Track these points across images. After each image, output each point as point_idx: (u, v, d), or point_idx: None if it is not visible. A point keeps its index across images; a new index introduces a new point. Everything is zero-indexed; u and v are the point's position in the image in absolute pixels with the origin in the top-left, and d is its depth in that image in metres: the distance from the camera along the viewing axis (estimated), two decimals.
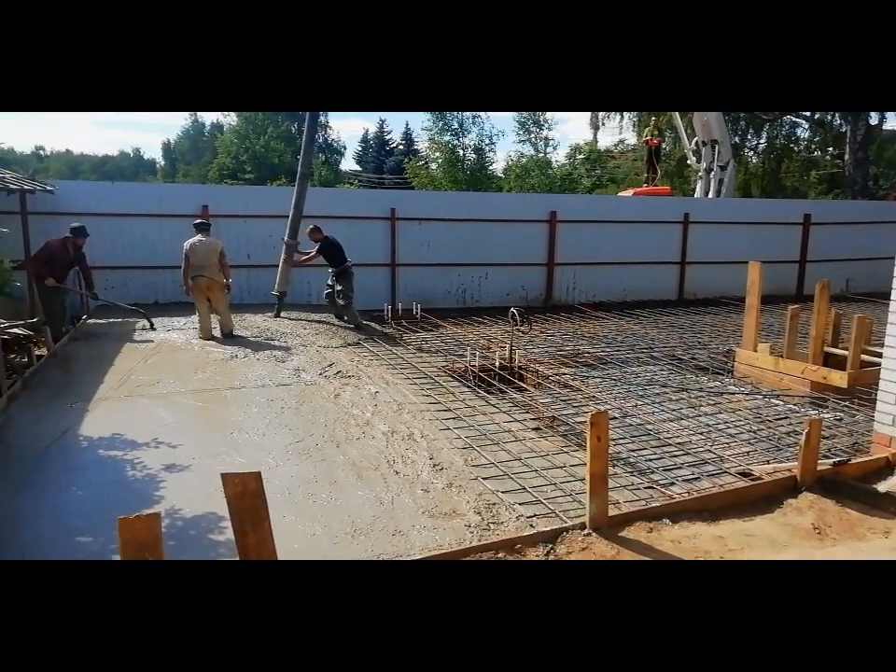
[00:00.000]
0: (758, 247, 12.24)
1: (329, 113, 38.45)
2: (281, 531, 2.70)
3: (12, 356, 6.54)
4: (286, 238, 9.20)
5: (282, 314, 9.29)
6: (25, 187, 8.46)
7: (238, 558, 2.54)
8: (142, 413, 5.33)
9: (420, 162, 29.83)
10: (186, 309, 9.27)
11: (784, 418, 5.76)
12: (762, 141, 28.61)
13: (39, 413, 5.27)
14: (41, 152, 75.22)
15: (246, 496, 2.51)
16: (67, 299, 8.38)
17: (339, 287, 8.95)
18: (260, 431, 5.00)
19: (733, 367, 7.38)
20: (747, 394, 6.54)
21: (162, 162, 66.03)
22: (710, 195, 16.27)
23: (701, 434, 5.26)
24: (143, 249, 10.04)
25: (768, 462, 4.67)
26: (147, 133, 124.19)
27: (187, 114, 55.95)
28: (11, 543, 3.46)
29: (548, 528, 3.54)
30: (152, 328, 8.23)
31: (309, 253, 9.10)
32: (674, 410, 5.87)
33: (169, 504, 3.76)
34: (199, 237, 7.91)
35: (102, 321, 8.76)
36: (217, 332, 7.98)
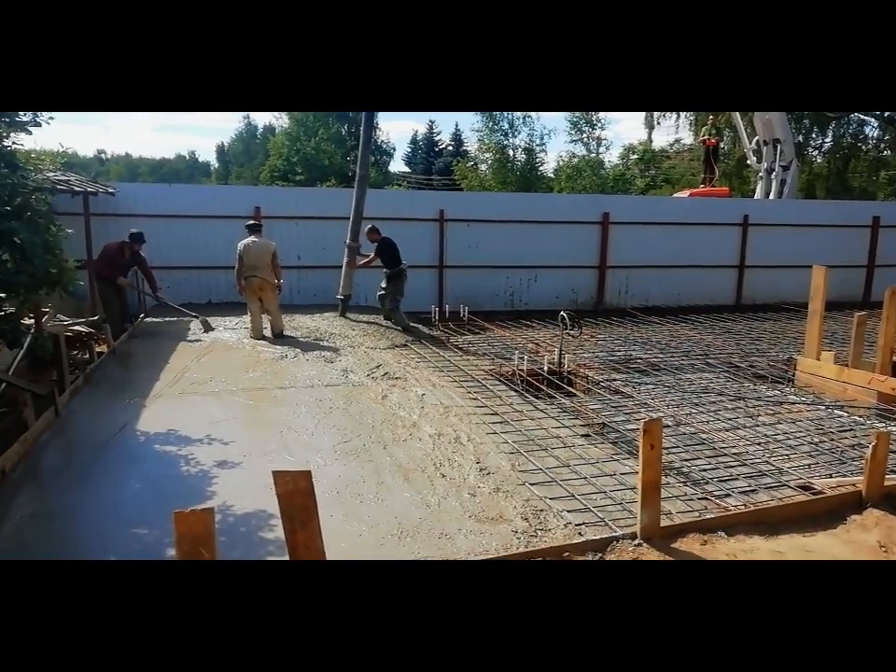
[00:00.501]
0: (822, 251, 11.73)
1: (379, 114, 38.83)
2: (328, 530, 2.71)
3: (75, 352, 6.81)
4: (347, 241, 9.32)
5: (337, 315, 9.42)
6: (88, 189, 8.82)
7: (287, 556, 2.57)
8: (195, 410, 5.47)
9: (469, 163, 29.81)
10: (238, 309, 9.49)
11: (848, 430, 5.49)
12: (827, 140, 27.49)
13: (99, 408, 5.47)
14: (102, 156, 78.48)
15: (297, 494, 2.52)
16: (126, 298, 8.72)
17: (389, 290, 9.00)
18: (309, 431, 5.06)
19: (794, 376, 7.08)
20: (808, 404, 6.26)
21: (216, 165, 68.02)
22: (772, 196, 15.71)
23: (759, 445, 5.06)
24: (197, 250, 10.32)
25: (831, 476, 4.45)
26: (202, 136, 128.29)
27: (240, 117, 57.51)
28: (71, 533, 3.59)
29: (597, 537, 3.45)
30: (209, 329, 8.41)
31: (368, 256, 9.16)
32: (730, 419, 5.67)
33: (221, 500, 3.83)
34: (252, 238, 8.08)
35: (158, 320, 9.06)
36: (267, 332, 8.13)
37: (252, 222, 8.54)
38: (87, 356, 6.89)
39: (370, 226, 9.08)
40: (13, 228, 4.08)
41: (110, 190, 9.74)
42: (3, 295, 4.36)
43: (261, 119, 58.05)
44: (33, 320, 6.02)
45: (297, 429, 5.07)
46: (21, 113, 4.33)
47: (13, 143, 4.45)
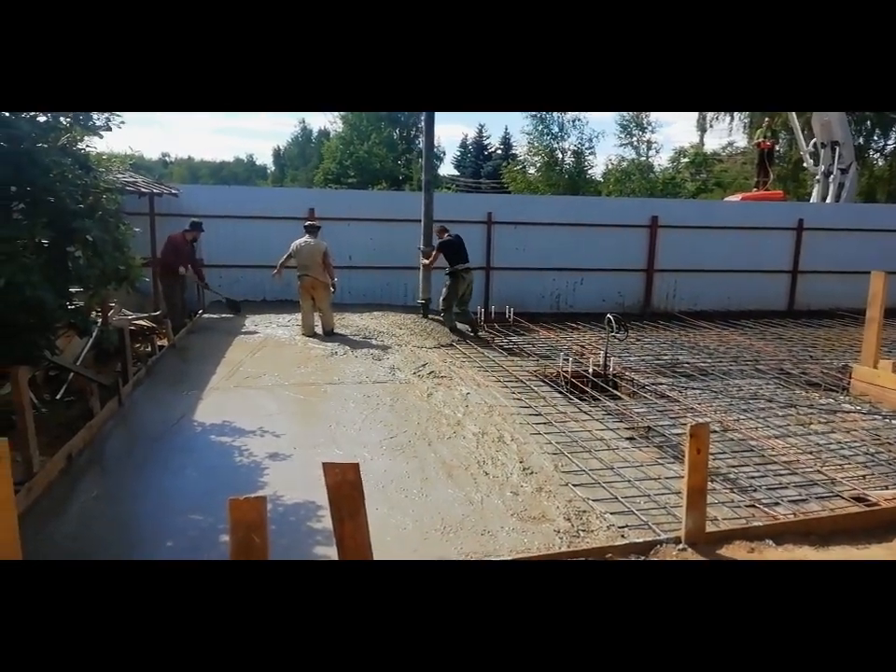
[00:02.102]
0: (882, 256, 11.25)
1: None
2: (374, 523, 2.80)
3: (137, 345, 7.14)
4: (420, 246, 9.50)
5: (383, 313, 9.60)
6: (154, 190, 9.24)
7: (335, 546, 2.66)
8: (249, 403, 5.68)
9: (517, 167, 29.73)
10: (290, 307, 9.75)
11: None
12: (889, 142, 26.36)
13: (159, 399, 5.73)
14: (166, 158, 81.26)
15: (345, 485, 2.62)
16: (185, 294, 9.12)
17: (444, 288, 9.06)
18: (357, 426, 5.19)
19: (849, 384, 6.86)
20: (864, 413, 6.07)
21: (272, 168, 69.59)
22: (829, 200, 15.18)
23: (810, 453, 4.94)
24: (253, 249, 10.63)
25: (886, 488, 4.32)
26: (259, 139, 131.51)
27: (296, 122, 58.80)
28: (131, 517, 3.80)
29: (641, 540, 3.46)
30: (236, 310, 9.17)
31: (431, 253, 9.25)
32: (780, 426, 5.54)
33: (272, 490, 3.98)
34: (306, 238, 8.32)
35: (215, 316, 9.39)
36: (318, 330, 8.34)
37: (310, 223, 8.77)
38: (149, 349, 7.22)
39: (439, 226, 9.22)
40: (86, 226, 4.33)
41: (174, 192, 10.16)
42: (75, 289, 4.62)
43: (316, 123, 59.29)
44: (100, 314, 6.35)
45: (345, 424, 5.21)
46: (95, 117, 4.59)
47: (86, 146, 4.72)
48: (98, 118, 4.61)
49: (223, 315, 9.41)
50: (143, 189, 8.79)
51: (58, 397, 5.49)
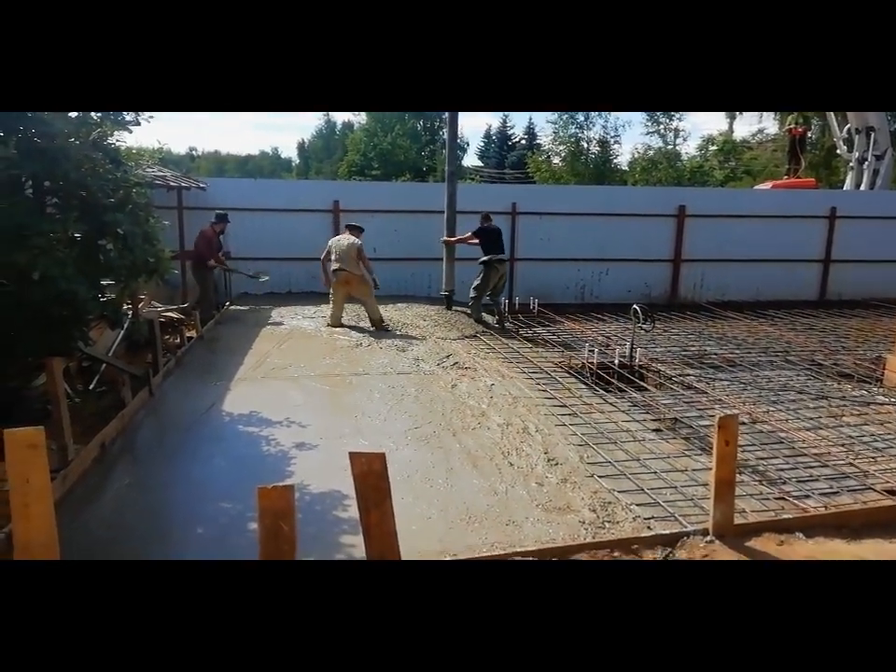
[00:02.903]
0: None
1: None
2: (399, 512, 2.82)
3: (167, 336, 7.27)
4: (444, 238, 9.52)
5: (407, 305, 9.63)
6: (182, 184, 9.37)
7: (361, 535, 2.69)
8: (276, 394, 5.75)
9: (542, 157, 29.50)
10: (316, 299, 9.84)
11: None
12: None
13: (189, 389, 5.83)
14: (193, 153, 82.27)
15: (371, 475, 2.65)
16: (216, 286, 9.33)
17: (476, 277, 9.01)
18: (382, 416, 5.23)
19: (882, 375, 6.71)
20: None
21: (297, 161, 70.07)
22: (863, 187, 14.80)
23: (842, 446, 4.85)
24: (279, 241, 10.74)
25: None
26: (284, 133, 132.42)
27: (321, 114, 58.94)
28: (163, 504, 3.88)
29: (667, 532, 3.43)
30: (261, 277, 9.58)
31: (467, 234, 9.20)
32: (811, 418, 5.44)
33: (298, 479, 4.03)
34: (345, 235, 8.45)
35: (242, 308, 9.52)
36: (347, 321, 8.44)
37: (353, 224, 8.78)
38: (178, 340, 7.34)
39: (483, 214, 9.23)
40: (117, 219, 4.41)
41: (202, 185, 10.30)
42: (107, 282, 4.72)
43: (340, 115, 59.41)
44: (130, 306, 6.48)
45: (370, 415, 5.25)
46: (125, 112, 4.66)
47: (116, 140, 4.80)
48: (127, 112, 4.69)
49: (251, 307, 9.53)
50: (171, 183, 8.93)
51: (91, 387, 5.62)
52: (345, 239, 8.36)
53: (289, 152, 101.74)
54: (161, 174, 8.83)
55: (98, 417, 4.90)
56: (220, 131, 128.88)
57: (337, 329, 8.20)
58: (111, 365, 5.55)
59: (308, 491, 3.93)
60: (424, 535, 3.43)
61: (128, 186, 4.82)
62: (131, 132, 4.80)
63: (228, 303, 9.66)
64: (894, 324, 7.08)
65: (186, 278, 9.60)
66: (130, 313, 6.50)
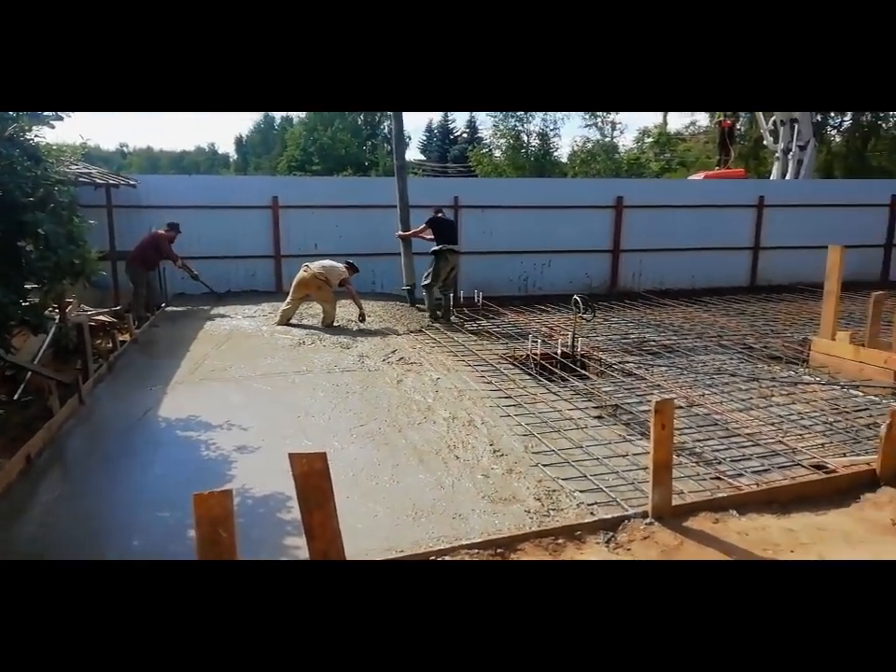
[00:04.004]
0: (840, 231, 11.56)
1: None
2: (345, 511, 2.80)
3: (98, 341, 6.98)
4: (398, 232, 9.42)
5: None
6: (110, 181, 8.99)
7: (303, 536, 2.65)
8: (215, 397, 5.60)
9: (484, 150, 29.67)
10: (256, 297, 9.65)
11: (864, 410, 5.47)
12: (846, 119, 26.93)
13: (122, 395, 5.62)
14: (124, 149, 78.95)
15: (312, 475, 2.61)
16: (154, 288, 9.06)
17: (428, 268, 8.94)
18: (326, 415, 5.16)
19: (808, 356, 7.05)
20: (823, 384, 6.24)
21: (235, 156, 68.28)
22: (788, 177, 15.50)
23: (772, 425, 5.07)
24: (217, 240, 10.46)
25: (845, 455, 4.45)
26: (221, 128, 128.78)
27: None
28: (95, 516, 3.72)
29: (609, 516, 3.51)
30: (212, 292, 9.43)
31: (420, 227, 9.15)
32: (743, 400, 5.67)
33: (240, 483, 3.94)
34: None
35: (180, 309, 9.23)
36: (306, 321, 8.38)
37: (350, 262, 8.73)
38: (110, 344, 7.05)
39: (435, 208, 9.22)
40: (37, 219, 4.19)
41: (132, 182, 9.91)
42: (28, 286, 4.48)
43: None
44: (56, 310, 6.18)
45: (314, 414, 5.17)
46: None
47: (35, 136, 4.56)
48: None
49: (188, 308, 9.25)
50: (98, 181, 8.56)
51: (15, 397, 5.34)
52: (343, 266, 8.42)
53: (227, 148, 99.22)
54: (87, 170, 8.44)
55: (24, 428, 4.66)
56: (153, 126, 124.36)
57: (279, 327, 8.05)
58: (37, 373, 5.28)
59: (250, 495, 3.85)
60: (369, 533, 3.41)
61: (49, 184, 4.59)
62: (53, 127, 4.57)
63: (164, 304, 9.35)
64: (819, 307, 7.43)
65: (118, 279, 9.23)
66: (56, 317, 6.20)
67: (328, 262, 8.44)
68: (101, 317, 7.39)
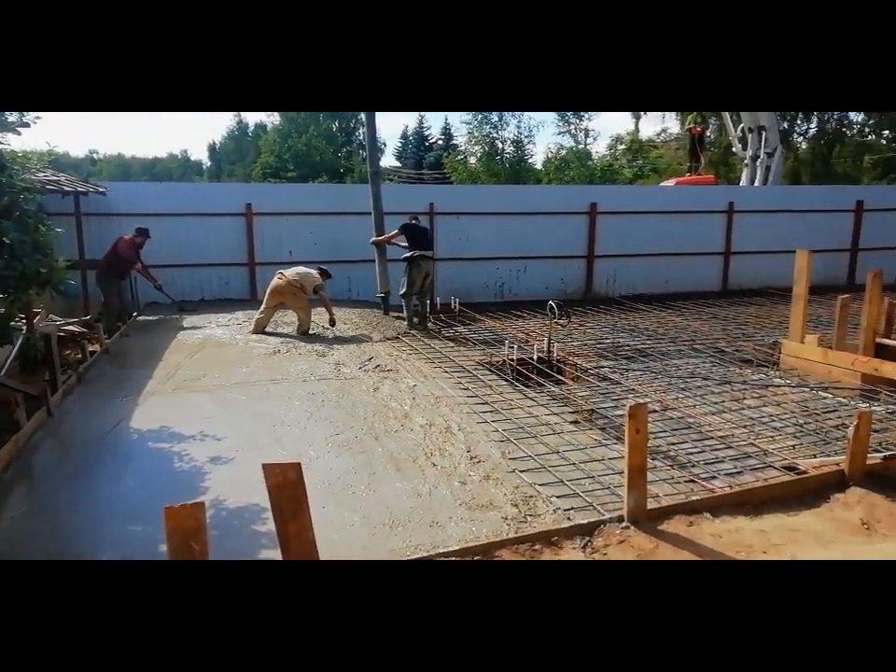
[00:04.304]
0: (807, 236, 11.84)
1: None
2: (321, 521, 2.77)
3: (67, 352, 6.83)
4: (373, 239, 9.39)
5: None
6: (79, 189, 8.82)
7: (279, 547, 2.62)
8: (188, 407, 5.51)
9: (459, 157, 29.80)
10: (230, 306, 9.55)
11: (832, 411, 5.59)
12: (812, 126, 27.66)
13: (92, 407, 5.50)
14: (94, 156, 77.89)
15: (287, 486, 2.58)
16: (125, 296, 8.89)
17: (402, 276, 8.88)
18: (302, 424, 5.11)
19: (779, 359, 7.18)
20: (793, 387, 6.36)
21: (208, 163, 67.63)
22: (757, 183, 15.81)
23: (744, 427, 5.15)
24: (189, 247, 10.34)
25: (815, 456, 4.54)
26: (194, 134, 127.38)
27: (231, 115, 57.21)
28: (65, 531, 3.63)
29: (585, 521, 3.53)
30: (175, 302, 9.38)
31: (393, 232, 9.10)
32: (716, 403, 5.75)
33: (214, 495, 3.88)
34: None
35: (152, 318, 9.08)
36: (281, 329, 8.30)
37: (322, 267, 8.77)
38: (80, 355, 6.91)
39: (410, 215, 9.22)
40: (2, 227, 4.10)
41: (101, 190, 9.74)
42: None
43: (252, 116, 57.86)
44: (23, 321, 6.04)
45: (289, 423, 5.12)
46: (8, 113, 4.33)
47: (0, 143, 4.46)
48: (11, 113, 4.36)
49: (161, 317, 9.11)
50: (66, 188, 8.39)
51: None
52: (316, 272, 8.41)
53: (200, 154, 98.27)
54: (55, 178, 8.28)
55: None
56: (123, 133, 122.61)
57: (254, 336, 7.97)
58: (2, 385, 5.15)
59: (224, 506, 3.79)
60: (346, 543, 3.38)
61: (14, 191, 4.50)
62: (19, 133, 4.47)
63: (136, 314, 9.19)
64: (788, 311, 7.57)
65: (87, 289, 9.06)
66: (23, 328, 6.06)
67: (301, 269, 8.40)
68: (70, 328, 7.24)
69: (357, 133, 40.39)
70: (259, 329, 8.11)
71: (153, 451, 4.64)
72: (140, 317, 9.12)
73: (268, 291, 8.22)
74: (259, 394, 5.85)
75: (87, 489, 4.07)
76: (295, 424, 5.11)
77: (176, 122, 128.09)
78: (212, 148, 65.54)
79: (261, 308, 8.23)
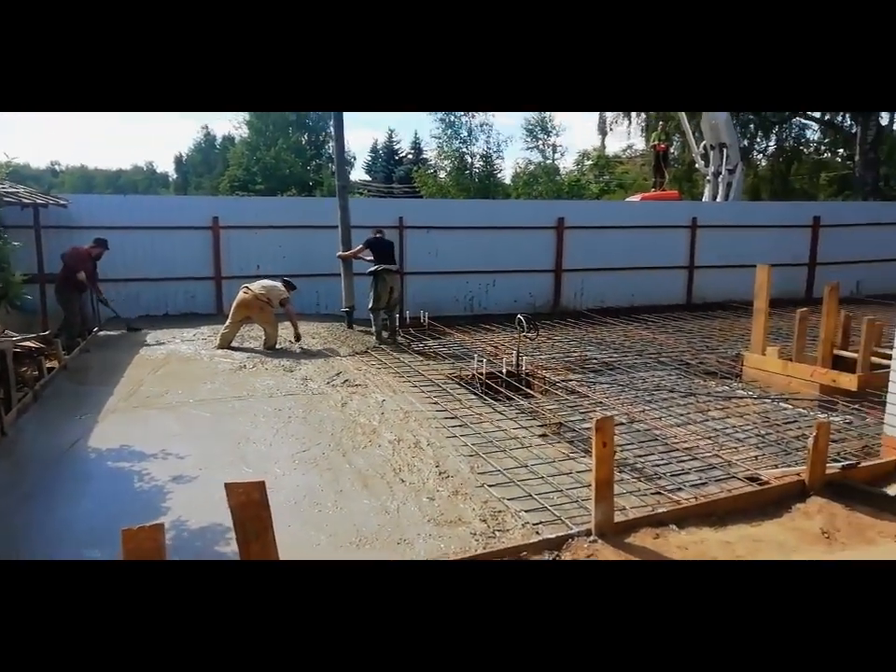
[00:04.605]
0: (767, 250, 12.14)
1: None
2: (286, 541, 2.71)
3: (24, 368, 6.61)
4: (339, 253, 9.33)
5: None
6: (38, 201, 8.61)
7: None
8: (150, 425, 5.38)
9: (429, 171, 29.94)
10: (195, 320, 9.39)
11: (793, 422, 5.71)
12: (771, 144, 28.53)
13: (49, 426, 5.33)
14: (56, 167, 76.40)
15: (250, 505, 2.52)
16: (86, 310, 8.67)
17: (369, 290, 8.84)
18: (268, 441, 5.03)
19: (741, 371, 7.33)
20: (755, 398, 6.49)
21: (175, 175, 66.77)
22: (719, 199, 16.18)
23: (709, 439, 5.23)
24: (153, 261, 10.14)
25: (777, 466, 4.63)
26: (160, 146, 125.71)
27: (198, 127, 56.77)
28: (17, 555, 3.50)
29: (553, 536, 3.53)
30: (121, 318, 9.13)
31: (359, 247, 9.05)
32: (682, 415, 5.84)
33: (175, 515, 3.79)
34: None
35: (114, 333, 8.87)
36: (248, 344, 8.18)
37: (287, 279, 8.71)
38: (37, 372, 6.70)
39: (375, 229, 9.19)
40: None
41: (62, 202, 9.51)
42: None
43: (220, 128, 57.46)
44: None
45: (255, 440, 5.03)
46: None
47: None
48: None
49: (123, 332, 8.90)
50: (25, 200, 8.17)
51: None
52: (281, 284, 8.34)
53: (166, 166, 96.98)
54: (13, 190, 8.07)
55: None
56: (87, 144, 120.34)
57: (219, 351, 7.83)
58: None
59: (186, 527, 3.70)
60: None
61: None
62: None
63: (97, 329, 8.96)
64: (750, 323, 7.74)
65: (46, 303, 8.81)
66: None
67: (267, 282, 8.31)
68: (27, 343, 7.01)
69: (326, 147, 40.33)
70: (225, 344, 7.98)
71: (112, 470, 4.51)
72: (101, 332, 8.89)
73: (234, 305, 8.11)
74: (224, 410, 5.75)
75: (41, 512, 3.93)
76: (261, 441, 5.03)
77: (142, 134, 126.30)
78: (179, 160, 64.79)
79: (227, 322, 8.11)
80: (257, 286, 8.13)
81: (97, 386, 6.40)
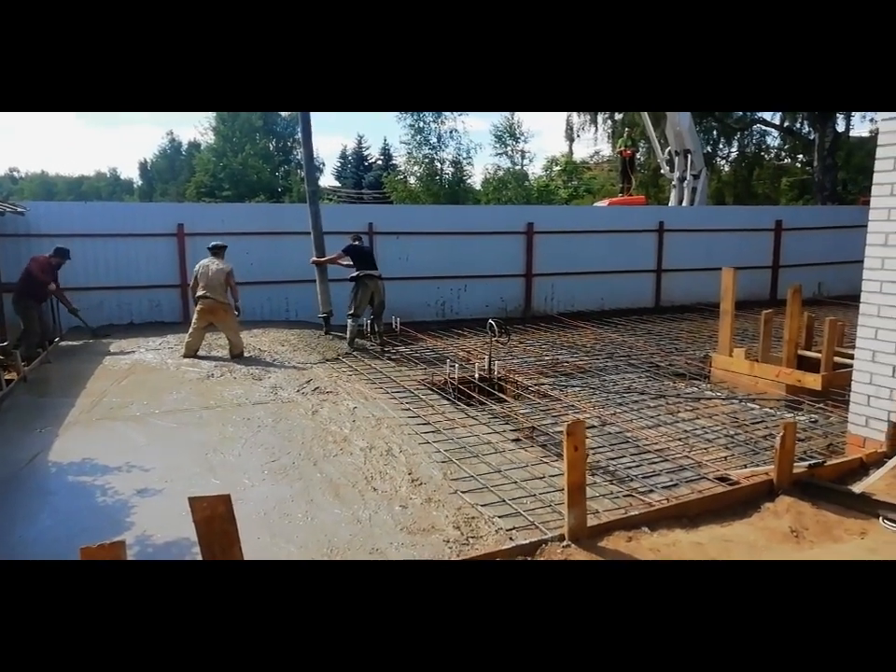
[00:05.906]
0: (732, 253, 12.40)
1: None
2: (255, 554, 2.65)
3: None
4: (313, 258, 9.21)
5: (264, 331, 9.23)
6: None
7: None
8: (114, 437, 5.23)
9: (398, 177, 29.92)
10: (161, 329, 9.19)
11: (760, 422, 5.80)
12: (733, 150, 29.20)
13: (6, 440, 5.14)
14: (15, 174, 74.45)
15: (216, 520, 2.45)
16: (46, 321, 8.40)
17: (350, 296, 8.73)
18: (236, 451, 4.92)
19: (709, 372, 7.43)
20: (723, 399, 6.58)
21: (139, 182, 65.60)
22: (685, 203, 16.48)
23: (679, 440, 5.28)
24: (117, 270, 9.93)
25: (745, 466, 4.68)
26: (124, 152, 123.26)
27: (163, 133, 55.96)
28: None
29: (527, 541, 3.50)
30: (88, 327, 8.84)
31: (336, 253, 8.93)
32: (652, 417, 5.89)
33: (140, 530, 3.68)
34: (211, 259, 7.95)
35: (76, 343, 8.63)
36: (204, 353, 7.93)
37: (215, 243, 8.25)
38: None
39: (352, 235, 9.13)
40: None
41: (19, 210, 9.23)
42: None
43: (185, 135, 56.67)
44: None
45: (223, 451, 4.92)
46: None
47: None
48: None
49: (85, 341, 8.67)
50: None
51: None
52: (213, 264, 7.89)
53: (130, 173, 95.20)
54: None
55: None
56: (47, 150, 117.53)
57: (186, 360, 7.67)
58: None
59: (151, 542, 3.59)
60: None
61: None
62: None
63: (58, 339, 8.71)
64: (717, 326, 7.87)
65: (4, 313, 8.52)
66: None
67: (210, 273, 7.82)
68: None
69: (294, 153, 40.06)
70: (191, 353, 7.80)
71: (73, 485, 4.36)
72: (63, 342, 8.65)
73: (196, 310, 7.90)
74: (190, 421, 5.61)
75: None
76: (229, 451, 4.92)
77: (105, 139, 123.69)
78: (143, 167, 63.73)
79: (190, 329, 7.90)
80: (203, 279, 7.80)
81: (58, 398, 6.21)
